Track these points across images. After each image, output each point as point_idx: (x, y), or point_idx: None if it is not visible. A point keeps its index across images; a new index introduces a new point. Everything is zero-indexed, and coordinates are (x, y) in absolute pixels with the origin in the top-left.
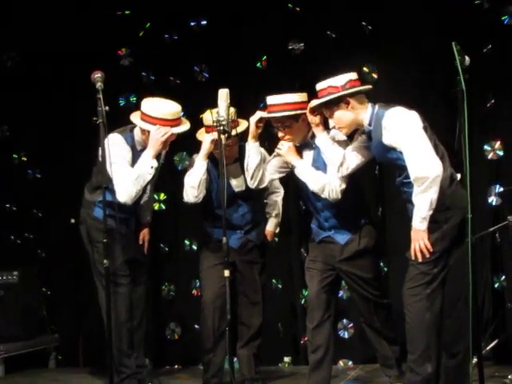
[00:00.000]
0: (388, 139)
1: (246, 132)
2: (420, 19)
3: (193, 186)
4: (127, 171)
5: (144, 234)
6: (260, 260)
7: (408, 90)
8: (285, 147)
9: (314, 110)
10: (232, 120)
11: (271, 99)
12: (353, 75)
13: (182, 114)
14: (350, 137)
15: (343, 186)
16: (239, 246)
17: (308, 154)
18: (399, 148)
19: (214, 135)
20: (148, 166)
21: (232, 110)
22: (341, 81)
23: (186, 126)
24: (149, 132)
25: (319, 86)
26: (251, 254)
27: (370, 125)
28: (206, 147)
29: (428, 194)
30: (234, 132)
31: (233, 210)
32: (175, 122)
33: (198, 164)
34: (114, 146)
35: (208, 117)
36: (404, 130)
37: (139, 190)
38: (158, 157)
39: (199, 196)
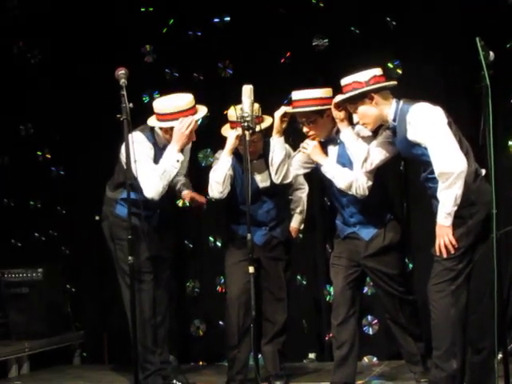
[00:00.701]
0: (412, 135)
1: (270, 128)
2: (444, 15)
3: (218, 182)
4: (152, 167)
5: (191, 194)
6: (285, 257)
7: (432, 85)
8: (310, 146)
9: (338, 106)
10: (256, 116)
11: (296, 94)
12: (377, 71)
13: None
14: (375, 132)
15: (370, 182)
16: (264, 242)
17: (333, 150)
18: (424, 144)
19: (239, 131)
20: (174, 159)
21: (256, 105)
22: (365, 76)
23: (203, 109)
24: (172, 129)
25: (344, 81)
26: (276, 251)
27: (394, 120)
28: (230, 143)
29: (452, 190)
30: (258, 128)
31: (257, 207)
32: (193, 110)
33: (223, 159)
34: (137, 144)
35: (232, 113)
36: (428, 125)
37: (166, 185)
38: (182, 151)
39: (224, 192)
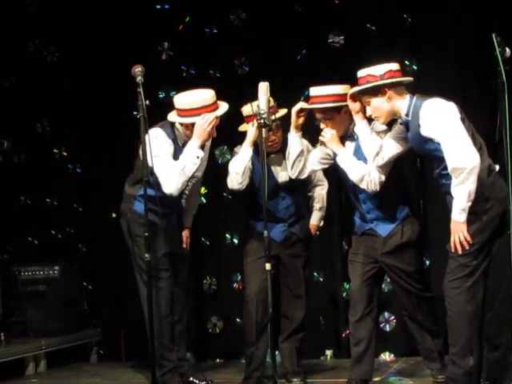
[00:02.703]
0: (425, 130)
1: (288, 123)
2: (460, 11)
3: (237, 173)
4: (172, 163)
5: (185, 236)
6: (304, 253)
7: (448, 82)
8: (328, 135)
9: (354, 97)
10: (271, 106)
11: (314, 90)
12: (394, 66)
13: None
14: (390, 126)
15: (382, 177)
16: (283, 239)
17: (350, 146)
18: (436, 139)
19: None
20: (194, 155)
21: (271, 99)
22: (380, 70)
23: (224, 105)
24: (193, 125)
25: (360, 73)
26: (295, 248)
27: (407, 115)
28: (251, 134)
29: (466, 186)
30: (272, 117)
31: (276, 203)
32: (214, 105)
33: (244, 150)
34: (156, 140)
35: (247, 108)
36: (441, 120)
37: (185, 181)
38: (202, 148)
39: (243, 183)
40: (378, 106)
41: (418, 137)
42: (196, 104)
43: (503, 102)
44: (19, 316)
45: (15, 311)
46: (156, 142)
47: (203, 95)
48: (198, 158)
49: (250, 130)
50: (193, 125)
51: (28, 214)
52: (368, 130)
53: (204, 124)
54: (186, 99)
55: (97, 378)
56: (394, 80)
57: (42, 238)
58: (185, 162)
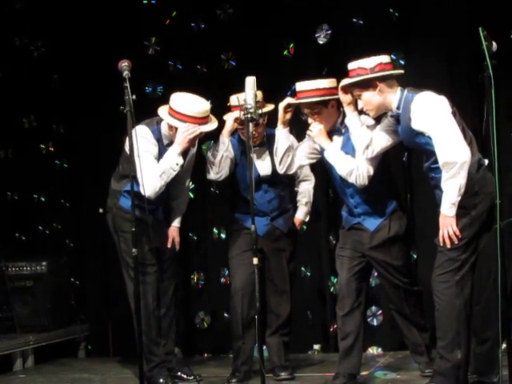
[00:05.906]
0: (416, 124)
1: (274, 118)
2: (448, 4)
3: (214, 163)
4: (153, 166)
5: (173, 236)
6: (289, 248)
7: (436, 75)
8: (316, 129)
9: (345, 89)
10: (258, 101)
11: (300, 85)
12: (384, 58)
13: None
14: (379, 120)
15: (371, 171)
16: (265, 232)
17: (337, 140)
18: (427, 133)
19: (236, 113)
20: (174, 162)
21: (259, 93)
22: (370, 63)
23: (214, 124)
24: (176, 128)
25: (350, 65)
26: (279, 242)
27: (398, 108)
28: (228, 125)
29: (456, 180)
30: (259, 111)
31: (259, 196)
32: (204, 119)
33: (220, 141)
34: (141, 139)
35: (234, 98)
36: (433, 114)
37: (163, 186)
38: (185, 153)
39: (220, 173)
40: (370, 99)
41: (409, 130)
42: (187, 111)
43: (490, 95)
44: (7, 312)
45: (2, 307)
46: (140, 141)
47: (197, 106)
48: (177, 165)
49: (228, 121)
50: (176, 128)
51: (15, 210)
52: (359, 122)
53: (186, 132)
54: (180, 102)
55: (84, 373)
56: (385, 73)
57: (30, 234)
58: (164, 168)
